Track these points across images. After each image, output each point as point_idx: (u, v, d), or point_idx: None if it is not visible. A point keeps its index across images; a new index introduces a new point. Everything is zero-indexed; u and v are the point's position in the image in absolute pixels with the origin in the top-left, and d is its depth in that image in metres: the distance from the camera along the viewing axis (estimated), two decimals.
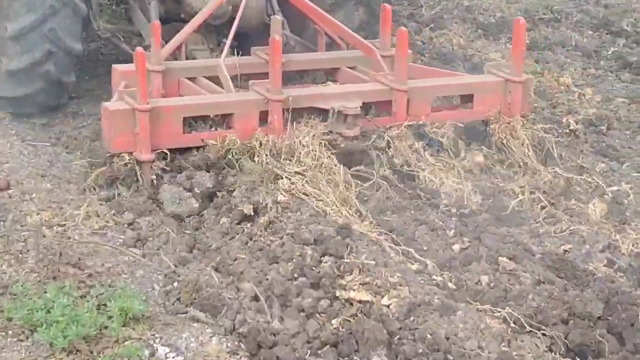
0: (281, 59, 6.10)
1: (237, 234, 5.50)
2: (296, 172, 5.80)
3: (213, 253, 5.41)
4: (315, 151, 5.90)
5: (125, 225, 5.75)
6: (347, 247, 5.15)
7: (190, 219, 5.82)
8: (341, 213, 5.54)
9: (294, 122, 6.07)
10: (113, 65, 6.67)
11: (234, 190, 5.78)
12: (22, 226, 5.66)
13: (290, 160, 5.88)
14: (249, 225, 5.55)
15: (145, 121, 5.81)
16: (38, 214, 5.79)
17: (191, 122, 6.15)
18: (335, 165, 5.88)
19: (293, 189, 5.66)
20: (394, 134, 6.21)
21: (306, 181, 5.72)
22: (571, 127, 7.31)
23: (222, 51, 6.68)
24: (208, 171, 5.95)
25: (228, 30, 6.78)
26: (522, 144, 6.38)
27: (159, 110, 5.90)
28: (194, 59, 7.03)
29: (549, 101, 8.00)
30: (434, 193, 6.00)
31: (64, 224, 5.71)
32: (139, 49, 5.97)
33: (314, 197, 5.63)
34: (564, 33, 10.40)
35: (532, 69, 8.74)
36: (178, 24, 7.16)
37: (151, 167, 5.91)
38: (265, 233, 5.42)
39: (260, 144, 5.96)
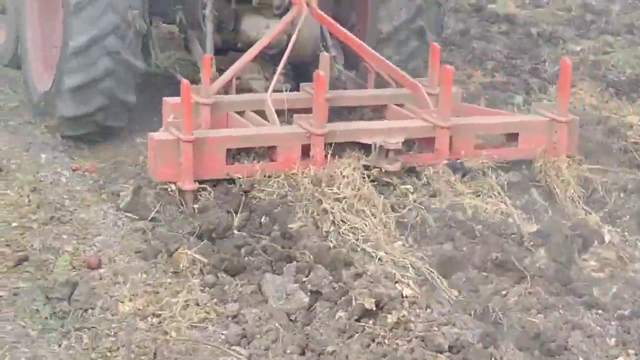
0: (325, 94, 6.23)
1: (357, 333, 4.74)
2: (336, 199, 5.79)
3: (329, 356, 4.64)
4: (356, 182, 5.92)
5: (229, 318, 5.03)
6: (491, 358, 4.35)
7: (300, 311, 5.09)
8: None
9: (336, 156, 6.13)
10: (163, 98, 6.63)
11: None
12: (112, 315, 5.00)
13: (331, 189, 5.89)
14: (370, 322, 4.79)
15: (188, 151, 5.93)
16: (131, 300, 5.14)
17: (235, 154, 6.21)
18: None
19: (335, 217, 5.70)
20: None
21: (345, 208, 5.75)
22: None
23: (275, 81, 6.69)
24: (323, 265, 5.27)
25: None
26: (568, 184, 6.31)
27: (202, 141, 6.03)
28: (250, 88, 7.07)
29: None
30: (584, 288, 5.17)
31: (160, 314, 5.02)
32: (184, 80, 6.05)
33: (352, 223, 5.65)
34: None
35: None
36: (235, 53, 7.20)
37: (194, 197, 5.96)
38: (390, 334, 4.66)
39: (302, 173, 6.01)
